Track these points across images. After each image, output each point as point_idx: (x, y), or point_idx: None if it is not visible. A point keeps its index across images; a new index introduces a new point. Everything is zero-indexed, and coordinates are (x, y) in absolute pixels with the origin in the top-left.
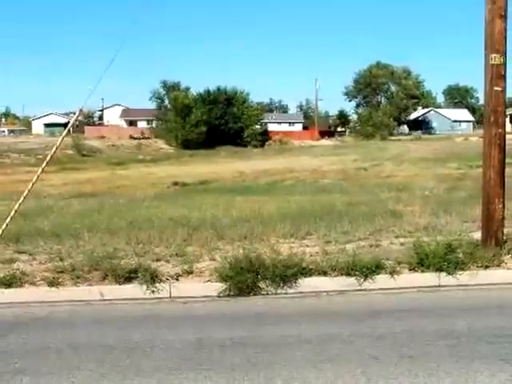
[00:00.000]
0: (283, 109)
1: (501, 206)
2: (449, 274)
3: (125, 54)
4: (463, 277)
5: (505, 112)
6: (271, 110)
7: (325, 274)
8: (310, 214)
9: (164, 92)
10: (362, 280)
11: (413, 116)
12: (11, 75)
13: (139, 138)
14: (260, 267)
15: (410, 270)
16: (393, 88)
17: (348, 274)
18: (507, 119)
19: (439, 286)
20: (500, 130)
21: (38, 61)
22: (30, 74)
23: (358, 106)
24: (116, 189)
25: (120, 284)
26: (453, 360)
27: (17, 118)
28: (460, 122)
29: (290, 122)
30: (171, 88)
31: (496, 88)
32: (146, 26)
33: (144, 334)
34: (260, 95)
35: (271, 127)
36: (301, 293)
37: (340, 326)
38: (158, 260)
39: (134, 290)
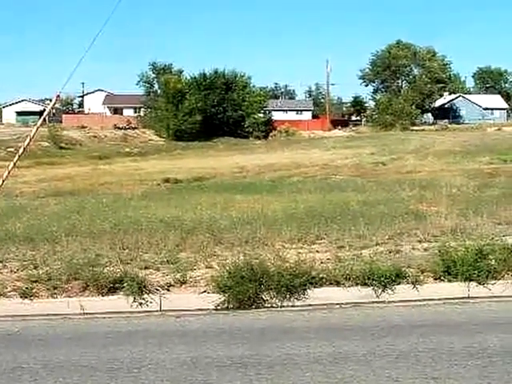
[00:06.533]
0: (290, 95)
1: None
2: (479, 283)
3: (109, 32)
4: (496, 287)
5: None
6: (276, 97)
7: (337, 283)
8: (320, 215)
9: (153, 75)
10: (380, 291)
11: (438, 103)
12: None
13: (125, 128)
14: (263, 276)
15: (436, 279)
16: (415, 71)
17: (364, 284)
18: None
19: (468, 297)
20: None
21: (9, 39)
22: None
23: (375, 91)
24: (99, 186)
25: (103, 295)
26: (484, 383)
27: None
28: (492, 109)
29: (297, 110)
30: (162, 71)
31: None
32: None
33: (130, 353)
34: (263, 79)
35: (276, 115)
36: (310, 305)
37: (355, 344)
38: (146, 268)
39: (118, 302)
